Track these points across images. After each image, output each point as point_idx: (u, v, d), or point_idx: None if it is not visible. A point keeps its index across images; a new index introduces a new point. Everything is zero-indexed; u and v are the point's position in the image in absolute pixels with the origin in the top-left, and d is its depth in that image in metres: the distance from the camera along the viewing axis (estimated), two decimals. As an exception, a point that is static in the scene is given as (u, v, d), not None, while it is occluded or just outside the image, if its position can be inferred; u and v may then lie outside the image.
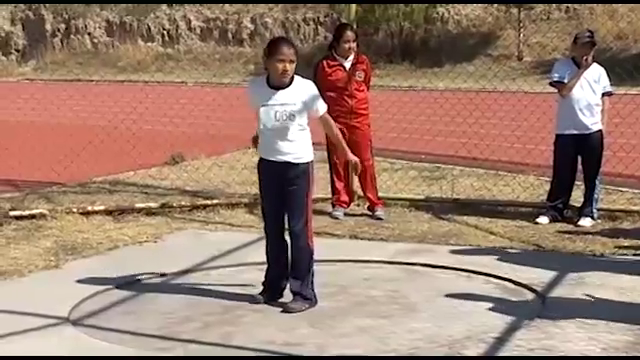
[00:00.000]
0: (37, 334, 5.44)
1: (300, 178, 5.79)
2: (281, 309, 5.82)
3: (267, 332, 5.45)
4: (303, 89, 5.83)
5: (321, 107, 5.93)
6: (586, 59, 8.32)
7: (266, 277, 6.05)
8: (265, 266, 6.07)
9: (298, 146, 5.79)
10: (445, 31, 30.95)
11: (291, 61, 5.72)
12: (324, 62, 8.82)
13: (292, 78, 5.80)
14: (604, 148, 8.47)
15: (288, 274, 5.98)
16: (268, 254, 6.06)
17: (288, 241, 5.99)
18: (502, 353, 4.99)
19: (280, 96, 5.76)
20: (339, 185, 8.90)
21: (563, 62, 8.78)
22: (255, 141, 6.00)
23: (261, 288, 6.05)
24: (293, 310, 5.77)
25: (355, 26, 9.22)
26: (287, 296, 5.97)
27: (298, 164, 5.79)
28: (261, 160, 5.95)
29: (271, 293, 6.00)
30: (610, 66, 8.72)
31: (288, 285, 5.98)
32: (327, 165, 9.03)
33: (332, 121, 6.16)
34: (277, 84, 5.78)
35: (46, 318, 5.70)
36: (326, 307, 5.93)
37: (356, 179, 8.98)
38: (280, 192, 5.85)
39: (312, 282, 5.91)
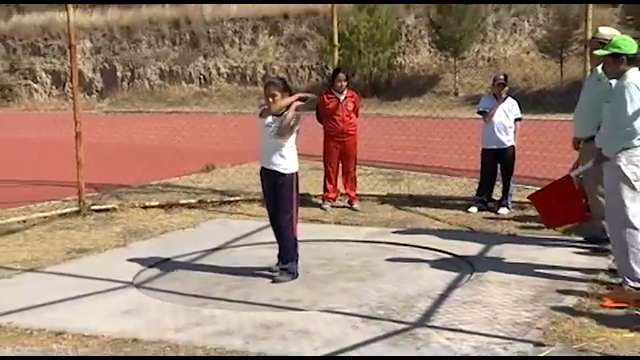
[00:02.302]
0: (110, 294, 5.47)
1: (286, 184, 5.66)
2: (271, 280, 5.72)
3: (275, 292, 5.45)
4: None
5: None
6: (501, 94, 8.37)
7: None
8: (274, 246, 6.05)
9: (286, 160, 5.66)
10: (402, 74, 30.97)
11: (273, 96, 5.60)
12: (324, 95, 8.83)
13: (287, 108, 5.63)
14: (516, 158, 8.48)
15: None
16: None
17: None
18: (444, 306, 5.00)
19: (275, 121, 5.65)
20: (329, 186, 8.89)
21: (486, 97, 8.77)
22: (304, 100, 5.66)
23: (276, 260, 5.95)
24: (279, 281, 5.65)
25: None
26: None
27: (285, 174, 5.66)
28: (261, 168, 5.84)
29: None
30: (519, 99, 8.74)
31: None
32: (322, 171, 9.07)
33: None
34: (273, 112, 5.67)
35: (117, 282, 5.73)
36: (317, 274, 5.93)
37: (340, 180, 8.99)
38: (272, 193, 5.75)
39: (296, 262, 5.77)
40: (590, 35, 6.78)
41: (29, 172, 12.03)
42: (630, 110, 5.11)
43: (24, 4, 39.08)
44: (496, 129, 8.32)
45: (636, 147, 5.15)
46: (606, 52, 5.34)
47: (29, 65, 38.22)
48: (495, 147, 8.36)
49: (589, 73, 6.78)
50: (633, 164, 5.17)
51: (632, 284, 5.21)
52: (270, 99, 5.63)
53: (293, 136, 5.70)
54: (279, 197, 5.69)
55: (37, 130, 21.24)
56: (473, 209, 8.38)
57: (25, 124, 25.28)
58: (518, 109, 8.48)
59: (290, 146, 5.70)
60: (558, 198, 5.49)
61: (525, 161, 9.52)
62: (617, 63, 5.28)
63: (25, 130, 21.90)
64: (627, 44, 5.28)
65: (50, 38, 38.27)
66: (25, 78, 38.16)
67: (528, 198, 6.25)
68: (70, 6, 8.42)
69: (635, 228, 5.19)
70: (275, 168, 5.67)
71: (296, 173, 5.75)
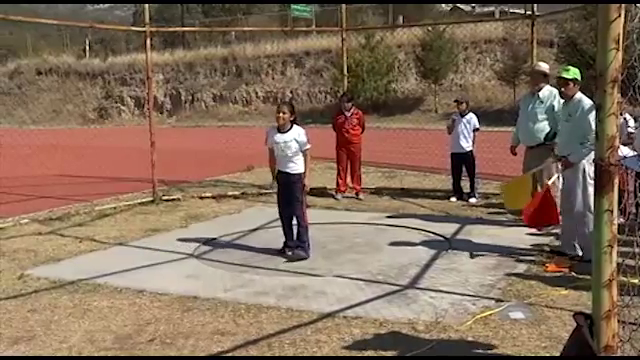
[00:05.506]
0: (176, 263, 5.45)
1: (296, 182, 5.47)
2: (286, 259, 5.46)
3: (300, 263, 5.40)
4: (296, 133, 5.39)
5: (307, 146, 5.44)
6: (462, 111, 8.25)
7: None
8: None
9: (294, 164, 5.47)
10: (396, 97, 30.55)
11: (283, 112, 5.37)
12: (336, 113, 8.81)
13: (291, 126, 5.38)
14: (475, 159, 8.32)
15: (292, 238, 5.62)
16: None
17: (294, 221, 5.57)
18: (428, 272, 4.93)
19: (283, 137, 5.42)
20: (340, 181, 8.80)
21: (454, 115, 8.57)
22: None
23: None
24: (294, 257, 5.41)
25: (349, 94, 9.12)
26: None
27: (294, 174, 5.48)
28: (278, 171, 5.62)
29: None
30: (483, 115, 8.62)
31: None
32: (335, 170, 9.00)
33: (308, 157, 5.53)
34: (280, 129, 5.46)
35: (180, 254, 5.71)
36: (332, 248, 5.87)
37: (349, 177, 8.93)
38: (286, 189, 5.54)
39: (309, 244, 5.52)
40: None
41: (118, 171, 12.07)
42: (594, 126, 5.01)
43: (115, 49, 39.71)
44: (459, 138, 8.23)
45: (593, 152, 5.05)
46: (572, 76, 5.25)
47: (119, 93, 38.37)
48: (458, 152, 8.26)
49: (522, 95, 6.70)
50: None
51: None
52: (280, 114, 5.41)
53: (297, 148, 5.46)
54: (292, 192, 5.48)
55: (123, 140, 21.31)
56: (453, 199, 8.26)
57: (115, 136, 25.40)
58: (476, 121, 8.34)
59: (297, 154, 5.48)
60: (545, 204, 5.27)
61: (489, 162, 9.39)
62: (575, 87, 5.29)
63: (115, 140, 21.99)
64: (579, 74, 5.33)
65: (134, 72, 38.38)
66: (116, 102, 38.34)
67: (527, 224, 5.70)
68: (148, 49, 8.46)
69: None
70: (287, 170, 5.50)
71: (303, 173, 5.53)
